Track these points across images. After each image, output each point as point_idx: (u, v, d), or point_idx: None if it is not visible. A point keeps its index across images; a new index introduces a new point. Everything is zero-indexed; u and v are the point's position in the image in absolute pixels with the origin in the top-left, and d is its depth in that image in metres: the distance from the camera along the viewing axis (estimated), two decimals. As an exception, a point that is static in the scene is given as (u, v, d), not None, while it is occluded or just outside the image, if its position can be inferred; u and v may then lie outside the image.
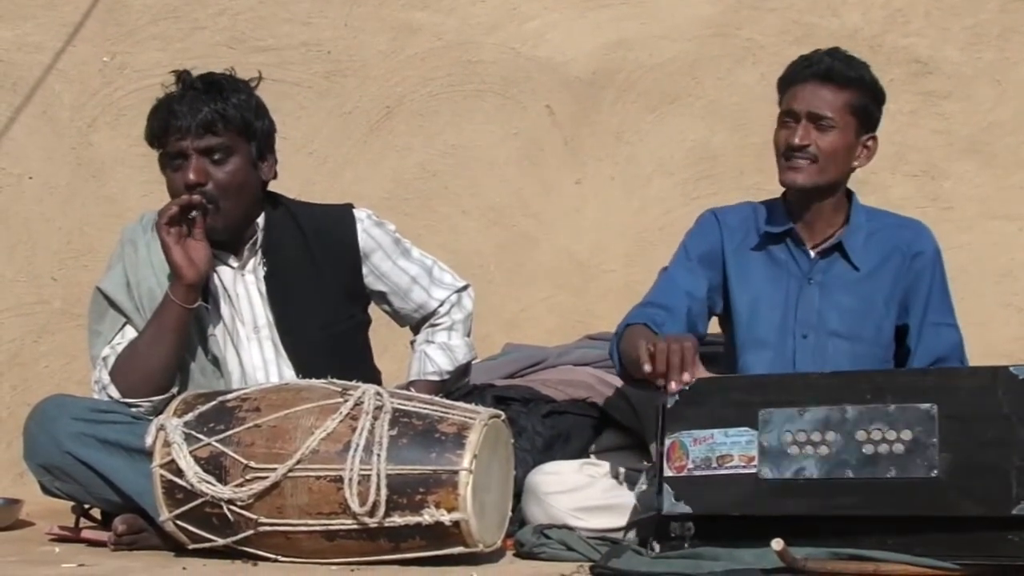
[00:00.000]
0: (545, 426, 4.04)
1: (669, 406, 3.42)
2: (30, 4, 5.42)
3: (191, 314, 3.78)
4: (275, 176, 3.99)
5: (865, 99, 3.91)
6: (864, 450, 3.19)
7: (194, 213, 3.76)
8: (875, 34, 5.47)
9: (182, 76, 3.90)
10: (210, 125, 3.81)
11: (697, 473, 3.35)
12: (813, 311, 3.92)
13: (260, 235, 3.95)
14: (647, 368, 3.47)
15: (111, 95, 5.40)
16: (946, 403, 3.15)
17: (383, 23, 5.48)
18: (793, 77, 3.94)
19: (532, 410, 4.06)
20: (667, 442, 3.40)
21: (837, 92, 3.88)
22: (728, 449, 3.32)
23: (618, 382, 4.15)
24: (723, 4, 5.55)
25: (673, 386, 3.42)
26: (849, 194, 4.02)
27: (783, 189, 3.96)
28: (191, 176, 3.80)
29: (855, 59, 3.97)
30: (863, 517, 3.22)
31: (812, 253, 3.94)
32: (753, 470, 3.29)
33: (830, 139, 3.86)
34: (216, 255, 3.92)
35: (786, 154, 3.88)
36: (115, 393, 3.75)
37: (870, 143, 3.95)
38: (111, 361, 3.80)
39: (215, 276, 3.93)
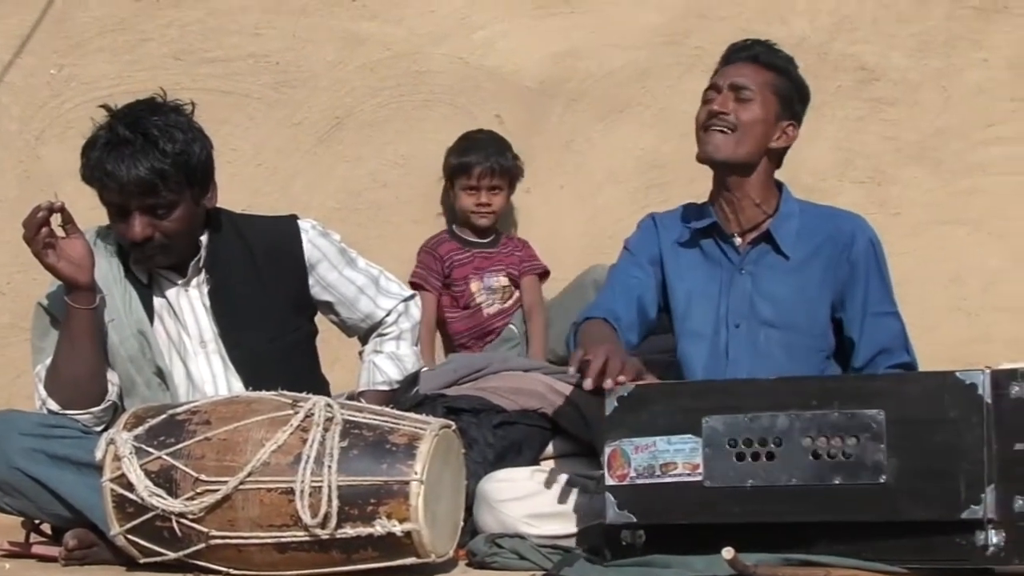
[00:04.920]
0: (496, 437, 4.05)
1: (608, 412, 3.42)
2: (-24, 17, 5.39)
3: (96, 313, 3.77)
4: (216, 200, 3.97)
5: (788, 87, 4.02)
6: (811, 456, 3.19)
7: (54, 214, 3.71)
8: (823, 42, 5.50)
9: (111, 124, 3.80)
10: (150, 187, 3.75)
11: (640, 481, 3.34)
12: (745, 300, 3.97)
13: (203, 253, 3.94)
14: (588, 384, 3.48)
15: (59, 108, 5.37)
16: (893, 408, 3.15)
17: (331, 34, 5.47)
18: (724, 60, 4.08)
19: (483, 421, 4.07)
20: (608, 450, 3.39)
21: (761, 71, 4.00)
22: (671, 457, 3.31)
23: (569, 390, 4.18)
24: (672, 13, 5.57)
25: (609, 383, 3.42)
26: (780, 185, 4.07)
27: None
28: (136, 233, 3.78)
29: (784, 53, 4.09)
30: (812, 523, 3.21)
31: (739, 242, 3.99)
32: (698, 478, 3.28)
33: (750, 111, 3.96)
34: (160, 274, 3.93)
35: (705, 124, 3.96)
36: (54, 407, 3.76)
37: (789, 130, 4.02)
38: (43, 375, 3.81)
39: (158, 289, 3.94)
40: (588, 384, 3.47)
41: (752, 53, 4.03)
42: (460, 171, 5.26)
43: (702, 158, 3.99)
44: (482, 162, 5.24)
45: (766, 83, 3.98)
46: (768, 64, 4.01)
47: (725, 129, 3.94)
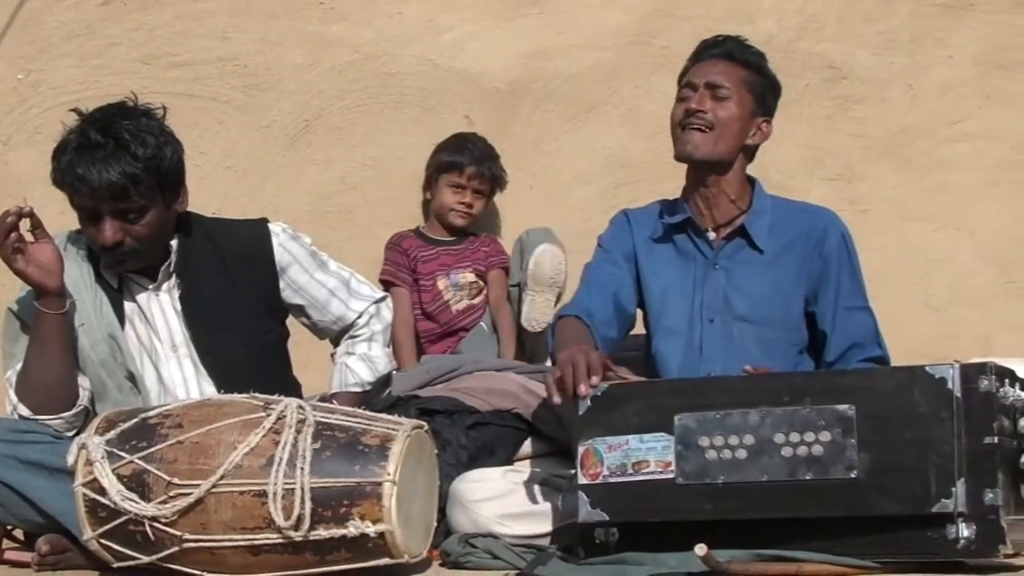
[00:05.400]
0: (470, 438, 4.04)
1: (581, 412, 3.43)
2: (-57, 23, 5.38)
3: (66, 318, 3.77)
4: (187, 204, 3.97)
5: (762, 84, 4.05)
6: (782, 452, 3.20)
7: (23, 219, 3.71)
8: (789, 40, 5.52)
9: (82, 128, 3.79)
10: (122, 191, 3.74)
11: (613, 480, 3.35)
12: (719, 295, 3.99)
13: (174, 257, 3.94)
14: (556, 400, 3.50)
15: (26, 113, 5.36)
16: (864, 404, 3.16)
17: (300, 36, 5.47)
18: (695, 57, 4.09)
19: (456, 422, 4.06)
20: (581, 449, 3.40)
21: (735, 67, 4.03)
22: (644, 455, 3.32)
23: (542, 389, 4.17)
24: (639, 13, 5.58)
25: (582, 389, 3.43)
26: (753, 181, 4.09)
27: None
28: (107, 238, 3.78)
29: (755, 49, 4.11)
30: (785, 519, 3.22)
31: (713, 237, 4.01)
32: (671, 475, 3.29)
33: (726, 109, 3.98)
34: (131, 278, 3.93)
35: (683, 122, 3.98)
36: (25, 412, 3.76)
37: (764, 126, 4.06)
38: (13, 381, 3.80)
39: (129, 294, 3.93)
40: (556, 400, 3.50)
41: (726, 50, 4.04)
42: (451, 167, 5.27)
43: (680, 157, 4.00)
44: (475, 164, 5.25)
45: (741, 80, 4.00)
46: (742, 61, 4.04)
47: (703, 127, 3.95)
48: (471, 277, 5.25)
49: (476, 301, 5.24)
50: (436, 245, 5.27)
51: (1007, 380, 3.18)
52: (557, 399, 3.49)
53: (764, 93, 4.05)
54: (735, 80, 4.00)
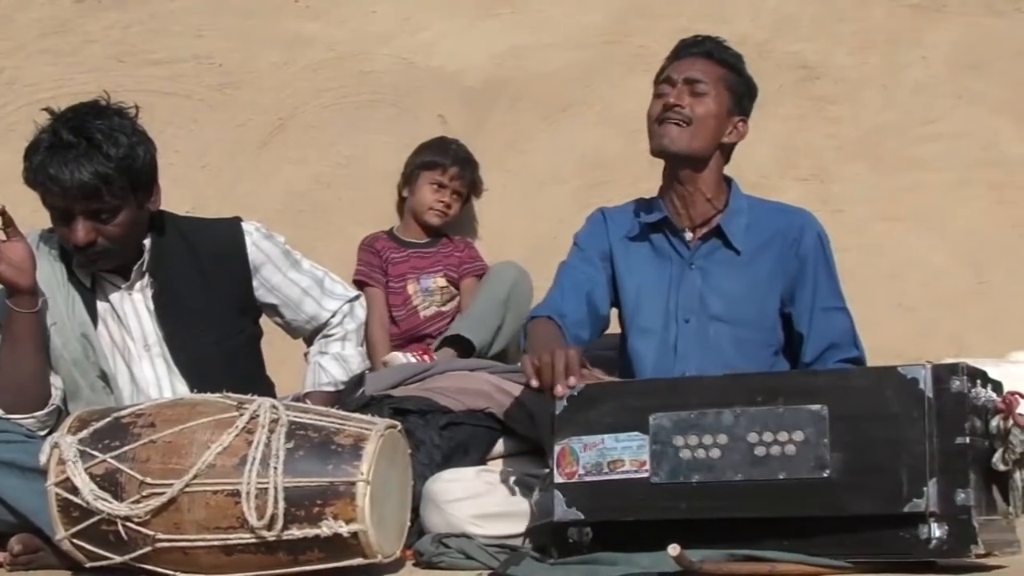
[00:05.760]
0: (443, 438, 4.03)
1: (558, 412, 3.43)
2: (-84, 19, 5.35)
3: (38, 317, 3.76)
4: (160, 203, 3.96)
5: (739, 83, 4.06)
6: (756, 452, 3.19)
7: None
8: (764, 40, 5.53)
9: (54, 127, 3.77)
10: (94, 191, 3.72)
11: (588, 479, 3.35)
12: (695, 295, 3.98)
13: (147, 256, 3.93)
14: (534, 383, 3.51)
15: (1, 110, 5.33)
16: (836, 404, 3.15)
17: (275, 35, 5.46)
18: (673, 55, 4.10)
19: (430, 422, 4.05)
20: (557, 448, 3.40)
21: (714, 65, 4.04)
22: (619, 454, 3.32)
23: (515, 389, 4.18)
24: (614, 12, 5.59)
25: (559, 390, 3.43)
26: (729, 181, 4.10)
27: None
28: (80, 238, 3.76)
29: (733, 50, 4.11)
30: (758, 519, 3.21)
31: (689, 237, 4.01)
32: (645, 474, 3.28)
33: (704, 105, 3.99)
34: (104, 277, 3.92)
35: (660, 117, 3.97)
36: (-3, 410, 3.74)
37: (740, 125, 4.06)
38: None
39: (102, 293, 3.92)
40: (535, 383, 3.49)
41: (705, 48, 4.05)
42: (433, 165, 5.28)
43: (656, 151, 4.00)
44: (458, 165, 5.26)
45: (719, 78, 4.01)
46: (720, 60, 4.05)
47: (680, 122, 3.96)
48: (442, 282, 5.24)
49: (446, 308, 5.23)
50: (408, 247, 5.27)
51: (979, 381, 3.18)
52: (535, 382, 3.49)
53: (741, 93, 4.06)
54: (713, 77, 4.01)
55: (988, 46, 5.54)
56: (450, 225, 5.34)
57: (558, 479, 3.40)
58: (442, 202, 5.26)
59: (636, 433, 3.32)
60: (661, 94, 4.02)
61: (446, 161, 5.27)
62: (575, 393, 3.42)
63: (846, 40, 5.56)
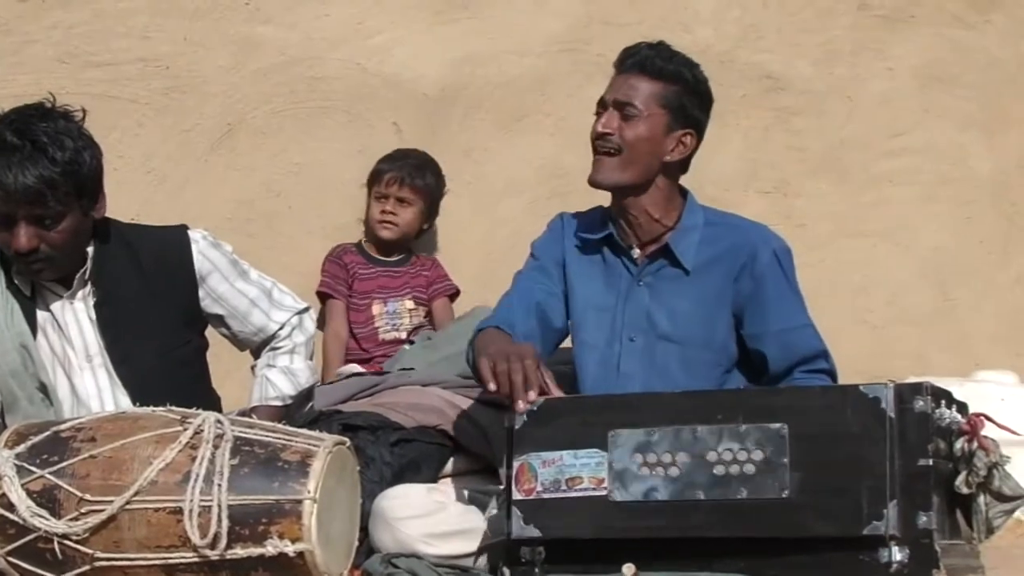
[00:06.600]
0: (394, 455, 4.01)
1: (517, 427, 3.39)
2: None
3: None
4: (104, 210, 3.89)
5: (681, 95, 3.89)
6: (715, 471, 3.18)
7: None
8: (727, 49, 5.51)
9: None
10: (38, 196, 3.66)
11: (546, 496, 3.33)
12: (642, 313, 3.91)
13: (89, 265, 3.87)
14: (491, 387, 3.45)
15: (-59, 111, 5.24)
16: (797, 423, 3.14)
17: (224, 38, 5.38)
18: (616, 66, 3.97)
19: (380, 439, 4.02)
20: (515, 464, 3.37)
21: (648, 82, 3.88)
22: (578, 471, 3.30)
23: (468, 404, 4.13)
24: (572, 20, 5.56)
25: (520, 406, 3.38)
26: (685, 194, 4.00)
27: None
28: (22, 244, 3.71)
29: (679, 55, 3.95)
30: (716, 539, 3.19)
31: (637, 255, 3.93)
32: (603, 492, 3.27)
33: (634, 129, 3.86)
34: (45, 286, 3.88)
35: (593, 145, 3.90)
36: (-66, 427, 3.67)
37: (686, 139, 3.91)
38: None
39: (42, 302, 3.87)
40: (492, 388, 3.45)
41: (638, 60, 3.89)
42: (373, 177, 5.26)
43: (590, 183, 3.91)
44: (394, 171, 5.19)
45: (652, 96, 3.86)
46: (655, 74, 3.87)
47: (611, 150, 3.85)
48: (410, 304, 5.20)
49: (403, 335, 5.14)
50: (376, 264, 5.22)
51: (943, 401, 3.19)
52: (492, 386, 3.44)
53: (682, 105, 3.89)
54: (645, 96, 3.86)
55: (956, 59, 5.54)
56: (410, 238, 5.27)
57: (516, 495, 3.38)
58: (384, 211, 5.19)
59: (595, 450, 3.31)
60: (597, 114, 3.92)
61: (383, 168, 5.21)
62: (534, 408, 3.39)
63: (811, 51, 5.55)
